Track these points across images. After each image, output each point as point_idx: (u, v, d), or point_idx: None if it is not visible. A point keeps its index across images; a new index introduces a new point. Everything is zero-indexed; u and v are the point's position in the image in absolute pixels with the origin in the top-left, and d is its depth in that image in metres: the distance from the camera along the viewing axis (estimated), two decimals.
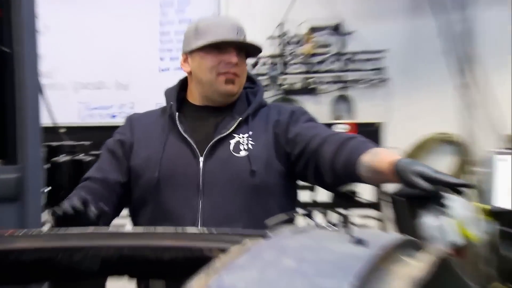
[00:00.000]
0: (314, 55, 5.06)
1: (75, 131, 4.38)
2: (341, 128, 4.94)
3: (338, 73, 5.04)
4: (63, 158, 2.96)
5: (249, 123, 2.20)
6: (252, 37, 5.02)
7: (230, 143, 2.15)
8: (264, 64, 5.09)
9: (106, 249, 1.41)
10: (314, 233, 1.28)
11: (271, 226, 1.41)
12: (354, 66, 5.03)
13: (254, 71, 5.05)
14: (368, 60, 5.02)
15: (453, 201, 4.71)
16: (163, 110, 2.30)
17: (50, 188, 2.95)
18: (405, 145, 4.97)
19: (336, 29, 5.02)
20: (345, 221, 1.30)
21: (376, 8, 5.01)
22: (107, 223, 2.20)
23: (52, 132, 3.30)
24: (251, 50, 2.26)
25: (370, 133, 4.99)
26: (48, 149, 3.10)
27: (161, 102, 5.47)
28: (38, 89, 2.92)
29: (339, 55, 5.03)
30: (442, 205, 4.69)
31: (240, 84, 2.22)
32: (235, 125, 2.17)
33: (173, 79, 5.66)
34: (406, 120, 4.96)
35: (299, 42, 5.07)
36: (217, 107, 2.24)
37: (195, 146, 2.15)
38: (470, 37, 4.79)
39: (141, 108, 5.11)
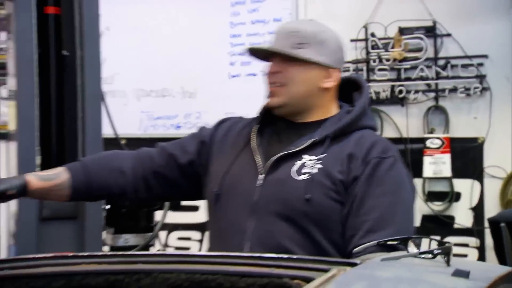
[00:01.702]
0: (403, 60, 5.02)
1: (136, 143, 4.48)
2: (434, 144, 4.89)
3: (431, 81, 5.00)
4: None
5: (325, 146, 2.16)
6: None
7: (295, 164, 2.15)
8: (346, 70, 5.09)
9: (177, 274, 1.44)
10: (409, 263, 1.28)
11: (358, 254, 1.42)
12: (450, 73, 4.97)
13: None
14: (465, 66, 4.95)
15: None
16: (254, 119, 2.35)
17: (109, 206, 3.02)
18: (507, 164, 4.88)
19: (429, 31, 4.98)
20: (444, 250, 1.30)
21: (475, 7, 4.94)
22: (149, 196, 2.35)
23: (112, 144, 3.38)
24: (313, 52, 2.23)
25: (469, 149, 4.92)
26: None
27: (231, 111, 5.51)
28: (99, 96, 3.00)
29: (432, 60, 4.99)
30: None
31: (285, 94, 2.20)
32: (305, 145, 2.16)
33: (244, 87, 5.69)
34: (510, 136, 4.87)
35: (386, 46, 5.05)
36: (303, 122, 2.25)
37: (261, 162, 2.18)
38: None
39: (208, 119, 5.21)
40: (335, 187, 2.10)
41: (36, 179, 2.22)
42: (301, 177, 2.11)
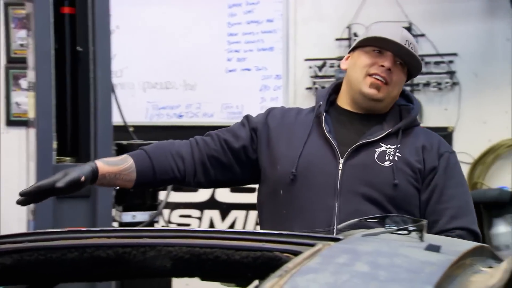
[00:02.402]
0: None
1: (143, 130, 4.47)
2: None
3: None
4: None
5: (398, 137, 2.16)
6: (320, 39, 4.95)
7: (375, 151, 2.13)
8: (331, 66, 5.08)
9: (179, 248, 1.44)
10: (387, 238, 1.28)
11: (342, 230, 1.42)
12: (424, 69, 4.96)
13: (321, 73, 5.05)
14: (437, 63, 4.95)
15: None
16: (311, 109, 2.28)
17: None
18: (474, 150, 4.88)
19: None
20: (418, 227, 1.30)
21: (447, 10, 4.93)
22: (208, 180, 2.24)
23: (122, 130, 3.37)
24: (412, 67, 2.23)
25: None
26: (118, 147, 3.16)
27: (228, 103, 5.48)
28: (110, 88, 3.00)
29: None
30: None
31: (387, 92, 2.16)
32: (383, 135, 2.14)
33: (240, 80, 5.67)
34: (476, 125, 4.87)
35: None
36: (366, 114, 2.21)
37: (336, 148, 2.13)
38: None
39: (208, 109, 5.21)
40: (414, 174, 2.11)
41: (104, 164, 2.07)
42: (386, 164, 2.10)
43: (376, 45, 2.17)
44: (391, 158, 2.11)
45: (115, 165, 2.10)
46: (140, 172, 2.13)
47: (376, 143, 2.14)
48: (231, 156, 2.22)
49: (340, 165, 2.11)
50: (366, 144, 2.13)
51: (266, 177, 2.21)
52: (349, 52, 2.27)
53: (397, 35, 2.16)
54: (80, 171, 1.98)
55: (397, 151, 2.12)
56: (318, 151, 2.15)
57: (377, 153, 2.12)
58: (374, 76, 2.14)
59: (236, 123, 2.31)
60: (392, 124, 2.19)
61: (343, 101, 2.25)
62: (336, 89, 2.30)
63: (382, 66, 2.14)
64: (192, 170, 2.20)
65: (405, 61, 2.18)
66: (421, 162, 2.13)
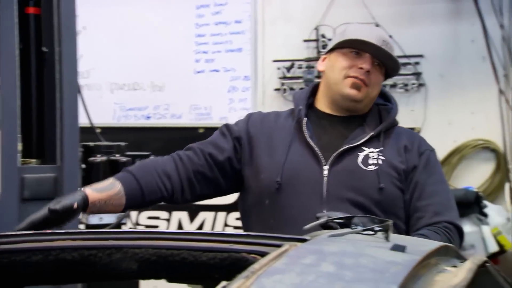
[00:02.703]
0: None
1: (110, 132, 4.44)
2: None
3: None
4: (99, 158, 3.00)
5: (381, 139, 2.16)
6: (288, 40, 4.97)
7: (358, 155, 2.13)
8: (299, 67, 5.09)
9: (145, 249, 1.43)
10: (353, 239, 1.29)
11: (309, 231, 1.42)
12: None
13: (289, 74, 5.06)
14: (404, 64, 4.99)
15: (491, 209, 4.67)
16: (289, 112, 2.26)
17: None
18: (440, 151, 4.93)
19: None
20: (384, 227, 1.31)
21: (413, 12, 4.98)
22: (193, 195, 2.21)
23: (88, 132, 3.34)
24: (389, 68, 2.23)
25: None
26: (85, 149, 3.14)
27: (196, 104, 5.47)
28: (76, 89, 2.97)
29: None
30: (481, 213, 4.65)
31: (366, 93, 2.16)
32: (366, 138, 2.14)
33: (208, 81, 5.66)
34: (442, 126, 4.93)
35: None
36: (345, 116, 2.20)
37: (319, 154, 2.13)
38: (510, 42, 4.74)
39: (176, 110, 5.20)
40: (399, 176, 2.12)
41: (94, 191, 2.02)
42: (370, 168, 2.11)
43: (354, 47, 2.16)
44: (375, 162, 2.12)
45: (104, 191, 2.05)
46: (129, 196, 2.09)
47: (358, 147, 2.14)
48: (217, 170, 2.20)
49: (325, 172, 2.11)
50: (349, 149, 2.14)
51: (250, 186, 2.20)
52: (326, 53, 2.25)
53: (374, 36, 2.17)
54: (72, 198, 1.94)
55: (381, 154, 2.13)
56: (302, 158, 2.14)
57: (360, 158, 2.13)
58: (353, 78, 2.14)
59: (216, 134, 2.27)
60: (373, 126, 2.19)
61: (322, 103, 2.24)
62: (313, 91, 2.28)
63: (361, 68, 2.14)
64: (179, 188, 2.17)
65: (382, 61, 2.19)
66: (404, 163, 2.15)
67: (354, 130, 2.18)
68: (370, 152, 2.13)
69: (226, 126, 2.26)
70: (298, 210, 2.09)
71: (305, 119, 2.18)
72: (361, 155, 2.13)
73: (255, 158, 2.18)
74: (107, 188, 2.07)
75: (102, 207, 2.06)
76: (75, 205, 1.91)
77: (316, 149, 2.13)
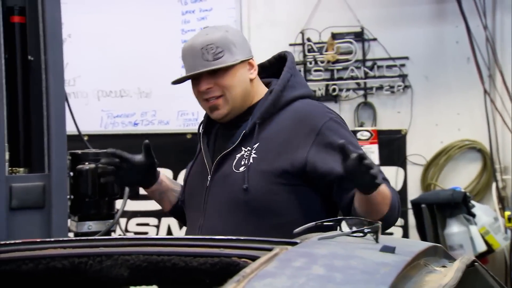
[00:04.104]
0: (336, 62, 5.07)
1: (97, 139, 4.43)
2: (364, 135, 4.94)
3: (360, 80, 5.05)
4: (87, 166, 2.99)
5: (255, 134, 2.08)
6: (274, 44, 5.02)
7: (235, 158, 2.08)
8: None
9: (136, 256, 1.43)
10: (343, 241, 1.29)
11: (299, 234, 1.43)
12: (376, 73, 5.03)
13: None
14: (390, 67, 5.02)
15: (478, 209, 4.69)
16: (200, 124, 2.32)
17: (73, 196, 2.97)
18: (427, 152, 4.96)
19: (358, 36, 5.03)
20: (373, 229, 1.32)
21: (398, 14, 5.00)
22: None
23: (76, 140, 3.33)
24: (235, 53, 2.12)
25: (393, 140, 4.99)
26: (72, 157, 3.12)
27: (184, 109, 5.44)
28: (63, 97, 2.96)
29: (361, 62, 5.04)
30: (468, 213, 4.66)
31: (229, 102, 2.09)
32: (239, 140, 2.09)
33: None
34: (429, 127, 4.95)
35: (321, 49, 5.08)
36: (235, 117, 2.14)
37: (207, 165, 2.15)
38: (494, 43, 4.77)
39: (163, 116, 5.18)
40: (276, 171, 2.03)
41: (165, 175, 2.26)
42: (240, 169, 2.06)
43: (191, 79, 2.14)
44: (245, 162, 2.06)
45: (170, 181, 2.29)
46: (180, 199, 2.27)
47: (237, 149, 2.10)
48: None
49: (208, 182, 2.14)
50: (229, 153, 2.11)
51: None
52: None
53: (196, 53, 2.08)
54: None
55: (254, 151, 2.06)
56: (197, 171, 2.21)
57: (235, 161, 2.09)
58: (206, 101, 2.11)
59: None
60: (255, 119, 2.10)
61: None
62: None
63: (200, 92, 2.11)
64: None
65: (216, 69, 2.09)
66: (287, 153, 2.03)
67: (237, 131, 2.13)
68: (246, 151, 2.08)
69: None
70: (189, 224, 2.22)
71: (202, 131, 2.22)
72: (237, 157, 2.09)
73: None
74: (173, 182, 2.30)
75: (163, 191, 2.25)
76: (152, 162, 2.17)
77: (206, 160, 2.16)
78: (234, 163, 2.08)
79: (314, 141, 2.04)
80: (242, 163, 2.07)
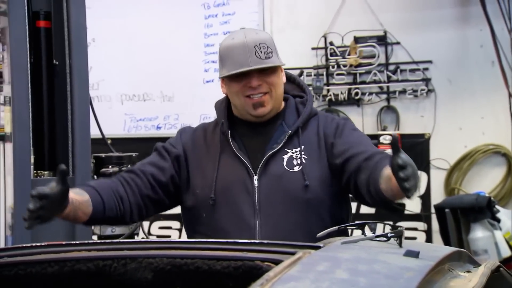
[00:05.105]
0: (358, 66, 5.06)
1: (121, 143, 4.45)
2: (386, 139, 4.92)
3: (383, 84, 5.03)
4: (111, 169, 3.01)
5: (300, 137, 2.20)
6: (296, 48, 4.99)
7: (283, 158, 2.16)
8: (308, 75, 5.10)
9: (159, 259, 1.44)
10: (367, 245, 1.29)
11: (322, 238, 1.43)
12: (399, 77, 5.01)
13: None
14: (413, 70, 4.99)
15: (503, 214, 4.64)
16: (215, 125, 2.30)
17: None
18: (451, 156, 4.93)
19: (381, 40, 5.01)
20: (397, 233, 1.31)
21: (421, 18, 4.99)
22: (140, 215, 2.25)
23: (99, 143, 3.35)
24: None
25: (417, 144, 4.96)
26: (96, 160, 3.15)
27: (206, 113, 5.46)
28: (87, 101, 2.99)
29: (384, 65, 5.02)
30: (493, 218, 4.62)
31: (273, 100, 2.18)
32: (285, 140, 2.17)
33: (218, 91, 5.66)
34: (452, 131, 4.92)
35: (343, 53, 5.07)
36: (265, 121, 2.21)
37: (248, 165, 2.16)
38: None
39: (186, 120, 5.19)
40: (325, 168, 2.15)
41: (72, 191, 1.96)
42: (295, 169, 2.15)
43: (235, 75, 2.16)
44: (298, 162, 2.16)
45: (78, 194, 2.03)
46: (94, 207, 2.08)
47: (282, 150, 2.18)
48: (161, 191, 2.24)
49: (256, 182, 2.15)
50: (274, 154, 2.17)
51: (188, 200, 2.25)
52: (220, 77, 2.26)
53: (249, 50, 2.14)
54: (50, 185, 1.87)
55: (303, 153, 2.16)
56: (232, 170, 2.19)
57: (285, 161, 2.17)
58: (251, 98, 2.15)
59: (153, 155, 2.29)
60: (292, 121, 2.22)
61: (239, 112, 2.25)
62: (229, 100, 2.29)
63: (250, 87, 2.14)
64: (129, 211, 2.20)
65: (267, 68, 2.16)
66: (326, 150, 2.17)
67: (274, 133, 2.21)
68: (294, 152, 2.17)
69: (163, 147, 2.28)
70: (232, 222, 2.16)
71: (229, 132, 2.22)
72: (286, 158, 2.17)
73: (191, 176, 2.24)
74: (79, 193, 2.04)
75: (75, 208, 2.00)
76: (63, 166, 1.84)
77: (245, 160, 2.17)
78: (285, 163, 2.16)
79: (335, 135, 2.19)
80: (295, 163, 2.16)
